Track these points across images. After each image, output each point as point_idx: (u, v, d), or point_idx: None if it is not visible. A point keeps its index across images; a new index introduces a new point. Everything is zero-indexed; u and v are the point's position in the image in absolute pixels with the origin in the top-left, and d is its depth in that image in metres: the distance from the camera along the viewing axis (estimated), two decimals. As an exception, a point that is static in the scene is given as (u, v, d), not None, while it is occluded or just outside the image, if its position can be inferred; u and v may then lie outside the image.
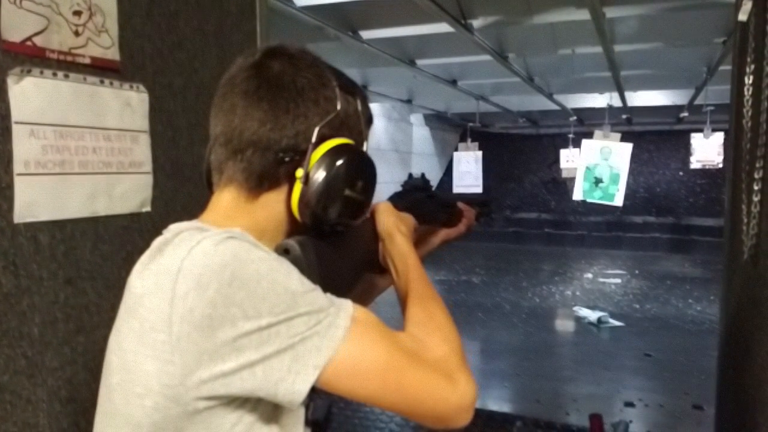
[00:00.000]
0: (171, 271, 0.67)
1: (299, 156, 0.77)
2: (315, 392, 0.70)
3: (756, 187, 1.25)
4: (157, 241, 0.74)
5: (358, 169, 0.81)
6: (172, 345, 0.65)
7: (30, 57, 1.01)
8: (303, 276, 0.70)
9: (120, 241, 1.19)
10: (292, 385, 0.65)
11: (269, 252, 0.71)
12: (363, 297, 1.01)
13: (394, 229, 0.91)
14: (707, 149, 7.48)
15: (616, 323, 6.22)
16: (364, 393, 0.69)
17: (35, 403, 1.04)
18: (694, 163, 7.71)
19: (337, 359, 0.66)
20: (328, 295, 0.70)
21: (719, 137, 7.34)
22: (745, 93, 1.39)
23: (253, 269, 0.66)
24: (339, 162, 0.77)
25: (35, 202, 1.02)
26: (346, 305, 0.70)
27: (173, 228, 0.75)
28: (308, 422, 0.80)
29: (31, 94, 1.00)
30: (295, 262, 0.73)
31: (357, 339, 0.68)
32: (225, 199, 0.80)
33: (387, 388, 0.69)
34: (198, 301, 0.64)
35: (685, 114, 8.54)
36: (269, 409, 0.72)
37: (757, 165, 1.25)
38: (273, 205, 0.79)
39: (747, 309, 1.36)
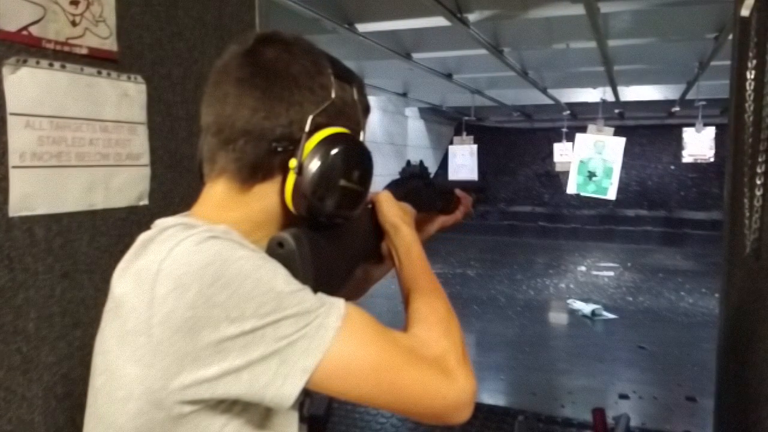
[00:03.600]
0: (150, 273, 0.65)
1: (293, 145, 0.74)
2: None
3: (759, 182, 1.25)
4: (142, 238, 0.72)
5: (354, 159, 0.77)
6: (153, 348, 0.63)
7: (26, 46, 0.98)
8: (290, 275, 0.68)
9: (117, 234, 1.17)
10: (280, 388, 0.63)
11: (255, 250, 0.68)
12: (357, 288, 0.99)
13: (399, 220, 0.89)
14: (699, 143, 7.52)
15: (610, 316, 6.25)
16: (357, 393, 0.67)
17: (30, 400, 1.02)
18: (686, 157, 7.75)
19: (327, 361, 0.64)
20: (319, 294, 0.68)
21: (711, 131, 7.39)
22: (747, 88, 1.38)
23: (236, 268, 0.63)
24: (334, 151, 0.74)
25: (31, 194, 1.00)
26: (338, 304, 0.68)
27: (159, 224, 0.73)
28: (304, 419, 0.78)
29: (26, 84, 0.98)
30: (289, 255, 0.71)
31: (348, 339, 0.65)
32: (217, 190, 0.77)
33: (381, 387, 0.67)
34: (178, 303, 0.62)
35: (677, 109, 8.59)
36: (260, 411, 0.69)
37: (760, 159, 1.25)
38: (267, 197, 0.76)
39: (749, 303, 1.36)
